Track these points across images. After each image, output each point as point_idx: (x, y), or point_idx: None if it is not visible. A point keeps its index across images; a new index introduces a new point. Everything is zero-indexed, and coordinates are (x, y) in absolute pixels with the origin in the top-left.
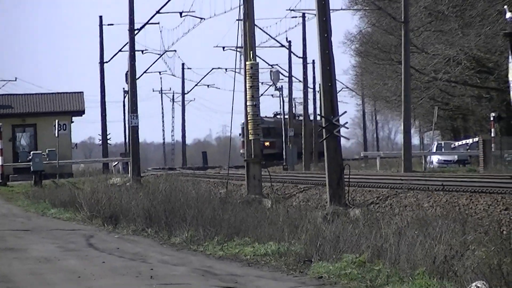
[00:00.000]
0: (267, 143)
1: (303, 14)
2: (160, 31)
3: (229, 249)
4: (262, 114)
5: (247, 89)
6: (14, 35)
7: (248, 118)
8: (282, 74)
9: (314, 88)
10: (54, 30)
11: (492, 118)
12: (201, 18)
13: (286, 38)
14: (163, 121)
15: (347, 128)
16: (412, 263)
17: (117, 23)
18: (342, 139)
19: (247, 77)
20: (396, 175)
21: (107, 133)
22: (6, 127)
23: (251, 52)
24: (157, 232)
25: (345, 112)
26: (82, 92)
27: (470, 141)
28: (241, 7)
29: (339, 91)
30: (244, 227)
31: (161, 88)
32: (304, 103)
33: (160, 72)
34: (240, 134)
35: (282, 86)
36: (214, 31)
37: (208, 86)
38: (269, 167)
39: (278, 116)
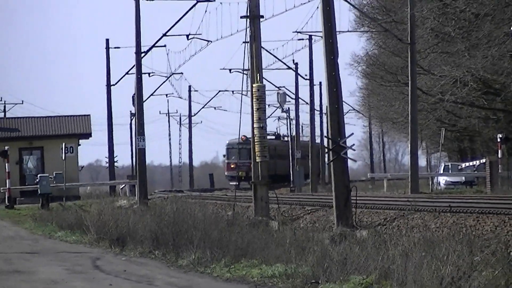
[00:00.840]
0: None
1: (310, 36)
2: (167, 54)
3: (236, 271)
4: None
5: (254, 111)
6: (20, 58)
7: (255, 140)
8: (288, 96)
9: (321, 110)
10: (61, 53)
11: (499, 139)
12: (208, 41)
13: (293, 60)
14: (170, 144)
15: (354, 150)
16: (419, 284)
17: (124, 46)
18: (349, 160)
19: (254, 99)
20: (403, 197)
21: (114, 155)
22: (13, 150)
23: (258, 74)
24: (164, 254)
25: (352, 134)
26: (89, 115)
27: (477, 162)
28: (248, 29)
29: (346, 112)
30: (251, 249)
31: (168, 110)
32: (310, 125)
33: (167, 95)
34: (224, 156)
35: (289, 108)
36: (221, 54)
37: (215, 108)
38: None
39: (273, 137)
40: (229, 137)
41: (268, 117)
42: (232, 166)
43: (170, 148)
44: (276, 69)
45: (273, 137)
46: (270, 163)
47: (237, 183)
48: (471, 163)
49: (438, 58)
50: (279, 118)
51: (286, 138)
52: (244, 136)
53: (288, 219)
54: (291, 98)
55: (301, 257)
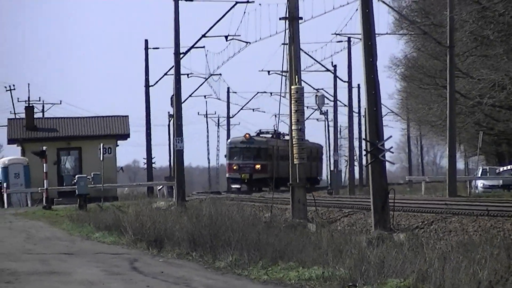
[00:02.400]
0: (257, 166)
1: (349, 38)
2: (206, 55)
3: (274, 273)
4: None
5: (292, 113)
6: (60, 58)
7: (293, 142)
8: (327, 98)
9: (359, 113)
10: (100, 54)
11: None
12: (247, 42)
13: (332, 62)
14: (208, 145)
15: (392, 152)
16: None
17: (163, 46)
18: (387, 163)
19: (292, 101)
20: (441, 200)
21: (152, 156)
22: (51, 151)
23: (296, 76)
24: (202, 256)
25: (390, 136)
26: (127, 115)
27: None
28: (287, 31)
29: (384, 115)
30: (289, 251)
31: (206, 111)
32: (349, 127)
33: (205, 96)
34: (225, 156)
35: (327, 110)
36: (260, 55)
37: (253, 110)
38: (260, 192)
39: (262, 135)
40: None
41: (307, 119)
42: (234, 167)
43: (208, 149)
44: (314, 71)
45: (270, 135)
46: (274, 165)
47: (239, 187)
48: (509, 167)
49: (476, 61)
50: (275, 116)
51: (286, 137)
52: (247, 134)
53: (326, 221)
54: (330, 100)
55: (338, 259)
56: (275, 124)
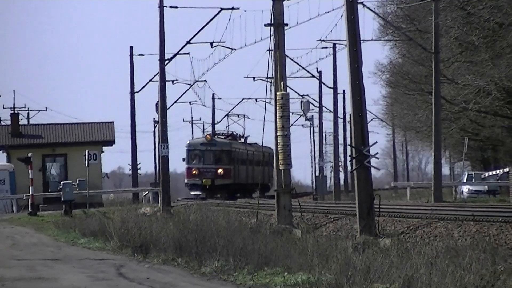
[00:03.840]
0: (220, 170)
1: (334, 44)
2: (191, 61)
3: (259, 278)
4: (258, 140)
5: (278, 119)
6: (44, 65)
7: (279, 148)
8: (312, 104)
9: (344, 118)
10: (85, 60)
11: None
12: (232, 49)
13: (317, 69)
14: None
15: (378, 158)
16: None
17: (148, 53)
18: (372, 169)
19: (278, 107)
20: (426, 205)
21: (137, 163)
22: (36, 157)
23: (282, 82)
24: (187, 261)
25: (376, 142)
26: (113, 122)
27: (500, 171)
28: (272, 37)
29: (370, 121)
30: (275, 257)
31: (192, 118)
32: (334, 133)
33: (190, 102)
34: (184, 160)
35: (312, 116)
36: (245, 61)
37: (238, 116)
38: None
39: (222, 137)
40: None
41: (292, 125)
42: (194, 172)
43: None
44: (300, 77)
45: (224, 138)
46: (247, 170)
47: (200, 193)
48: (494, 172)
49: (462, 67)
50: (227, 115)
51: (242, 140)
52: (208, 135)
53: (311, 227)
54: (315, 106)
55: (324, 265)
56: (227, 126)
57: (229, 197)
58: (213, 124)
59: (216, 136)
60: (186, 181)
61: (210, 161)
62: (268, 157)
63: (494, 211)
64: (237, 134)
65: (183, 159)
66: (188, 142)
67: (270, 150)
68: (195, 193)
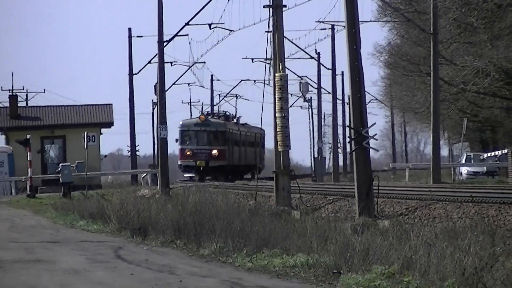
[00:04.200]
0: (214, 151)
1: (332, 26)
2: (189, 43)
3: (258, 260)
4: (249, 121)
5: (276, 101)
6: (42, 47)
7: (278, 130)
8: (311, 85)
9: (343, 100)
10: (83, 42)
11: None
12: (230, 30)
13: (315, 50)
14: None
15: (376, 139)
16: (442, 274)
17: (146, 35)
18: (371, 150)
19: (276, 89)
20: (425, 187)
21: (136, 145)
22: (35, 139)
23: (280, 63)
24: (186, 243)
25: (374, 123)
26: (111, 104)
27: (499, 152)
28: (271, 19)
29: (368, 102)
30: (273, 239)
31: (190, 99)
32: (333, 114)
33: (189, 84)
34: (176, 141)
35: (311, 97)
36: (243, 43)
37: (237, 97)
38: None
39: (210, 117)
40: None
41: (291, 106)
42: (187, 153)
43: None
44: (298, 58)
45: (217, 118)
46: (240, 151)
47: (193, 175)
48: (493, 154)
49: (460, 48)
50: (219, 95)
51: (234, 120)
52: (202, 115)
53: (310, 209)
54: (314, 87)
55: (323, 247)
56: (219, 106)
57: (223, 179)
58: (212, 105)
59: (210, 117)
60: (179, 162)
61: (204, 142)
62: (259, 138)
63: (493, 193)
64: (230, 114)
65: (176, 140)
66: (181, 122)
67: (262, 131)
68: (189, 175)
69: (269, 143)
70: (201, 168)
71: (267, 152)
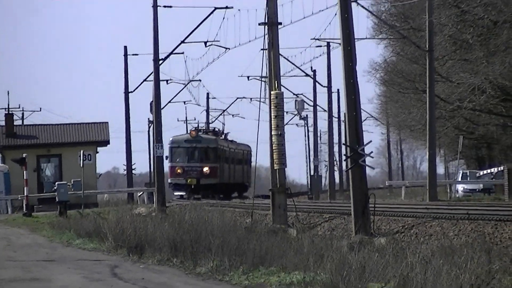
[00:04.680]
0: (205, 169)
1: (328, 43)
2: (185, 61)
3: (255, 278)
4: (239, 137)
5: (272, 119)
6: (38, 65)
7: (273, 148)
8: (306, 103)
9: (339, 117)
10: (79, 60)
11: None
12: (226, 48)
13: (311, 67)
14: None
15: (372, 157)
16: None
17: (142, 53)
18: (367, 168)
19: (272, 107)
20: (421, 204)
21: (132, 163)
22: (31, 158)
23: (276, 81)
24: (183, 261)
25: (370, 141)
26: (107, 122)
27: (495, 170)
28: (266, 36)
29: (364, 120)
30: (270, 257)
31: (186, 117)
32: (329, 132)
33: (185, 102)
34: (166, 158)
35: (307, 115)
36: (239, 61)
37: (233, 115)
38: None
39: (201, 133)
40: (248, 144)
41: (286, 124)
42: (178, 171)
43: None
44: (294, 76)
45: (207, 134)
46: (229, 168)
47: (184, 194)
48: (489, 171)
49: (456, 65)
50: (207, 111)
51: (223, 136)
52: (193, 130)
53: (306, 226)
54: (309, 105)
55: (319, 264)
56: (207, 122)
57: (214, 198)
58: (208, 123)
59: (200, 132)
60: (169, 180)
61: (195, 159)
62: (246, 155)
63: (489, 210)
64: (218, 130)
65: (166, 157)
66: (171, 138)
67: (249, 147)
68: (179, 193)
69: (264, 161)
70: (192, 186)
71: (262, 170)
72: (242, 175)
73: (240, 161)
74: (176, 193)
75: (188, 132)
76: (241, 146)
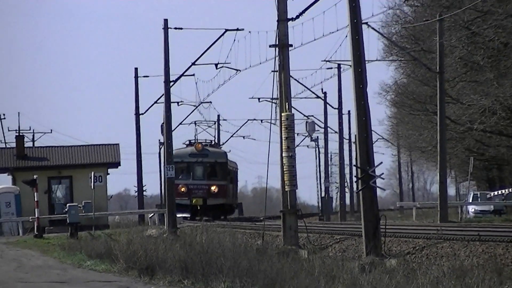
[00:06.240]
0: (213, 188)
1: (339, 65)
2: (196, 83)
3: None
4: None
5: (283, 140)
6: (49, 87)
7: (284, 169)
8: (317, 125)
9: (349, 139)
10: (90, 82)
11: None
12: (237, 70)
13: (322, 89)
14: None
15: (383, 178)
16: None
17: (153, 75)
18: (378, 189)
19: (283, 128)
20: (432, 225)
21: (143, 184)
22: (42, 179)
23: (287, 103)
24: (194, 283)
25: (381, 162)
26: (118, 144)
27: (506, 191)
28: (277, 58)
29: (375, 141)
30: (281, 278)
31: (197, 139)
32: (339, 153)
33: (195, 122)
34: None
35: (317, 137)
36: (250, 82)
37: (243, 137)
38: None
39: (208, 147)
40: (259, 166)
41: (297, 145)
42: (181, 189)
43: None
44: (304, 98)
45: (216, 147)
46: (228, 188)
47: (189, 216)
48: (499, 192)
49: (466, 87)
50: (195, 123)
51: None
52: (199, 143)
53: (317, 248)
54: (320, 127)
55: (330, 286)
56: (196, 134)
57: (200, 220)
58: (219, 145)
59: (207, 146)
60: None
61: (202, 176)
62: (233, 173)
63: (500, 231)
64: (214, 142)
65: None
66: (173, 152)
67: (236, 165)
68: (182, 215)
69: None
70: (198, 207)
71: (274, 191)
72: (232, 194)
73: (231, 180)
74: (178, 215)
75: (193, 144)
76: (232, 164)
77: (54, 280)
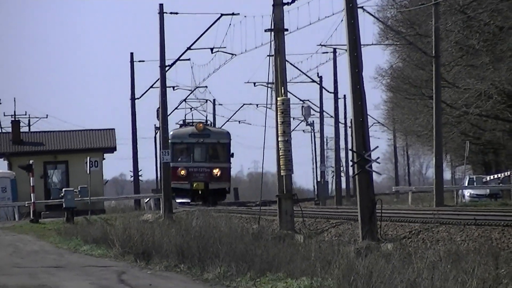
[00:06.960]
0: (216, 171)
1: (334, 49)
2: (191, 67)
3: (262, 284)
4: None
5: (279, 125)
6: (45, 72)
7: (280, 154)
8: (313, 109)
9: (345, 123)
10: (85, 67)
11: None
12: (232, 54)
13: (317, 73)
14: None
15: (379, 163)
16: None
17: (148, 59)
18: (374, 174)
19: (279, 113)
20: (428, 210)
21: (139, 169)
22: (37, 164)
23: (282, 87)
24: (190, 268)
25: (377, 147)
26: (114, 129)
27: (501, 175)
28: (272, 43)
29: (371, 126)
30: (277, 263)
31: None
32: (335, 138)
33: (191, 108)
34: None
35: (313, 121)
36: (245, 67)
37: (239, 122)
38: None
39: (210, 126)
40: (254, 151)
41: (293, 130)
42: (181, 172)
43: None
44: (300, 82)
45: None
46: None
47: (189, 201)
48: (495, 176)
49: (462, 71)
50: (185, 101)
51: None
52: (201, 123)
53: (313, 232)
54: (316, 111)
55: (326, 270)
56: (186, 114)
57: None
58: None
59: (209, 125)
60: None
61: (203, 158)
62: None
63: (496, 215)
64: (208, 122)
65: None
66: (171, 132)
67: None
68: (182, 200)
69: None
70: (199, 192)
71: (269, 176)
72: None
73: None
74: (178, 201)
75: (187, 124)
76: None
77: (50, 265)
